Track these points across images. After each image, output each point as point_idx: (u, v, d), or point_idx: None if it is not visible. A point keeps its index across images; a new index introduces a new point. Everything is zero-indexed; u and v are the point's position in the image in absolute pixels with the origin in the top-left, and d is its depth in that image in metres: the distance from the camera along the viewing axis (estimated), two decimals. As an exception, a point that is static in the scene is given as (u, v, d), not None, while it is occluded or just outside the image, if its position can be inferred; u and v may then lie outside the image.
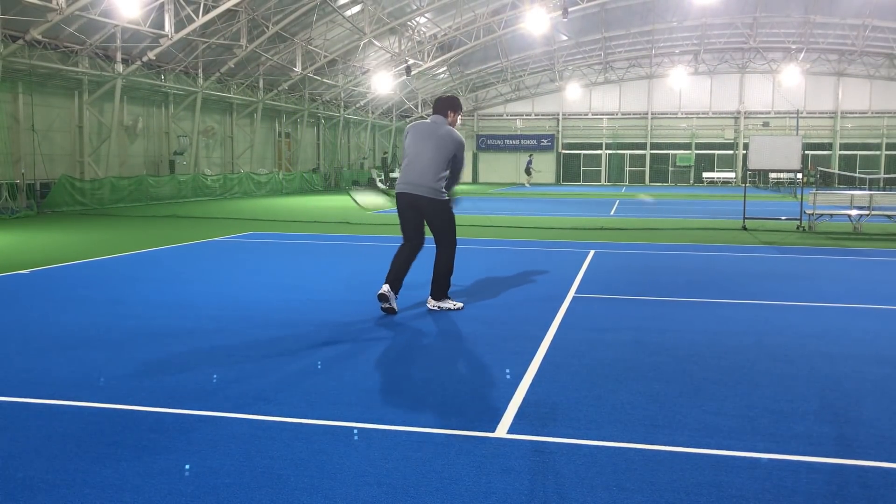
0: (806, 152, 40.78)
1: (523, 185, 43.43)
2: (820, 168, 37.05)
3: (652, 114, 47.60)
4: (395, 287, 6.83)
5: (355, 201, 7.19)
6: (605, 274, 9.36)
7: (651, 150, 47.92)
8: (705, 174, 47.05)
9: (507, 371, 4.97)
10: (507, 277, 9.03)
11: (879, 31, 37.77)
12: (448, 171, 6.95)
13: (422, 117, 48.19)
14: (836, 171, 41.42)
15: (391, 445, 3.67)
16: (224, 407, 4.22)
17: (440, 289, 7.04)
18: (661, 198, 29.57)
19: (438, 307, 6.99)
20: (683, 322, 6.57)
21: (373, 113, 43.83)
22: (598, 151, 48.81)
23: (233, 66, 27.63)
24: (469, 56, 39.53)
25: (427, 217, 6.98)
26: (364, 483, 3.25)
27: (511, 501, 3.09)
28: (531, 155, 45.57)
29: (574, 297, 7.72)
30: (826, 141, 45.60)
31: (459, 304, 7.10)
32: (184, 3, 22.25)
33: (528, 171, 43.16)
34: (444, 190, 6.91)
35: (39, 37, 19.59)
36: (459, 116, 7.15)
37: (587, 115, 48.53)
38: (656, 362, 5.22)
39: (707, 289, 8.31)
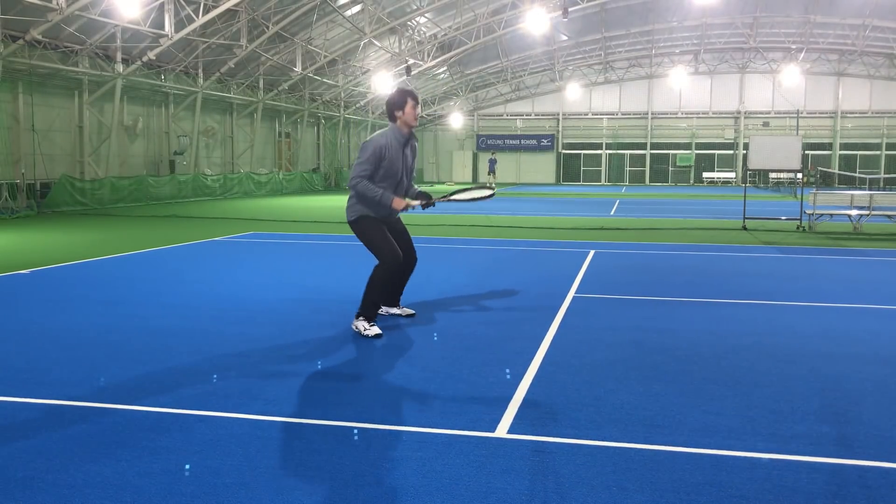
0: (806, 152, 40.79)
1: (490, 185, 43.20)
2: (820, 168, 37.04)
3: (652, 114, 47.59)
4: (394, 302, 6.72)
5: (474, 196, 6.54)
6: (605, 274, 9.35)
7: (651, 150, 47.91)
8: (705, 174, 47.05)
9: (507, 371, 4.97)
10: (508, 277, 9.03)
11: (879, 31, 37.76)
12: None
13: (422, 117, 48.19)
14: (836, 171, 41.41)
15: (391, 445, 3.67)
16: (224, 407, 4.22)
17: (361, 306, 6.15)
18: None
19: (354, 326, 6.11)
20: (683, 322, 6.57)
21: (373, 113, 43.83)
22: (598, 151, 48.80)
23: (233, 66, 27.63)
24: (469, 56, 39.52)
25: None
26: (364, 483, 3.25)
27: (511, 501, 3.09)
28: (493, 153, 45.59)
29: (574, 297, 7.72)
30: (826, 141, 45.60)
31: (374, 331, 5.96)
32: (184, 3, 22.25)
33: (493, 171, 43.19)
34: (354, 207, 6.19)
35: (39, 37, 19.59)
36: (408, 110, 6.13)
37: (587, 115, 48.52)
38: (656, 362, 5.22)
39: (707, 289, 8.31)
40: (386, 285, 6.23)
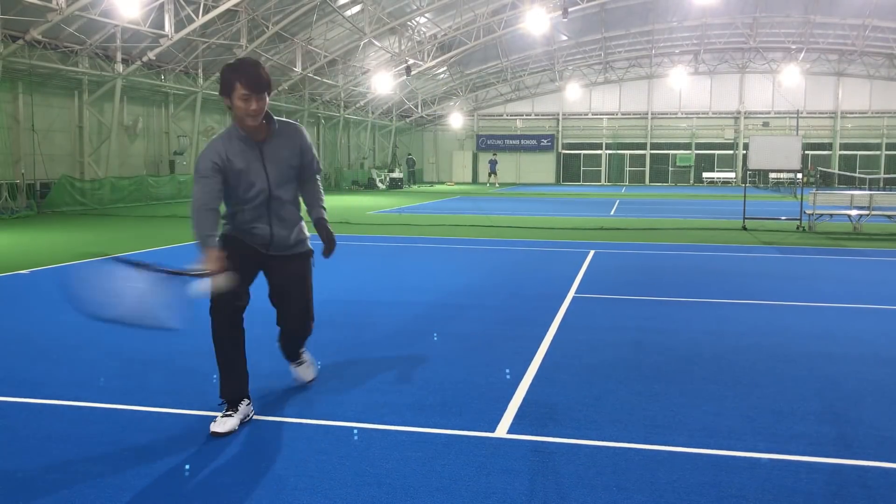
0: (806, 152, 40.72)
1: (493, 185, 43.22)
2: (820, 168, 37.05)
3: (652, 114, 47.56)
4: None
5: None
6: (605, 274, 9.35)
7: (651, 150, 47.87)
8: (705, 174, 47.01)
9: (507, 371, 4.97)
10: (508, 277, 9.02)
11: (879, 31, 37.74)
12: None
13: (422, 117, 48.12)
14: (836, 171, 41.39)
15: (391, 445, 3.67)
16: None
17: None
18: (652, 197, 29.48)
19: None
20: (683, 322, 6.57)
21: (373, 113, 43.80)
22: (598, 151, 48.77)
23: (233, 66, 27.60)
24: (469, 56, 39.49)
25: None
26: (364, 483, 3.25)
27: (511, 501, 3.09)
28: (495, 154, 45.66)
29: (574, 297, 7.72)
30: (826, 141, 45.58)
31: (219, 424, 3.82)
32: (184, 3, 22.24)
33: (494, 172, 43.36)
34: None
35: (39, 37, 19.57)
36: (236, 100, 3.73)
37: (587, 115, 48.49)
38: (656, 362, 5.22)
39: (707, 289, 8.31)
40: (221, 349, 4.05)
